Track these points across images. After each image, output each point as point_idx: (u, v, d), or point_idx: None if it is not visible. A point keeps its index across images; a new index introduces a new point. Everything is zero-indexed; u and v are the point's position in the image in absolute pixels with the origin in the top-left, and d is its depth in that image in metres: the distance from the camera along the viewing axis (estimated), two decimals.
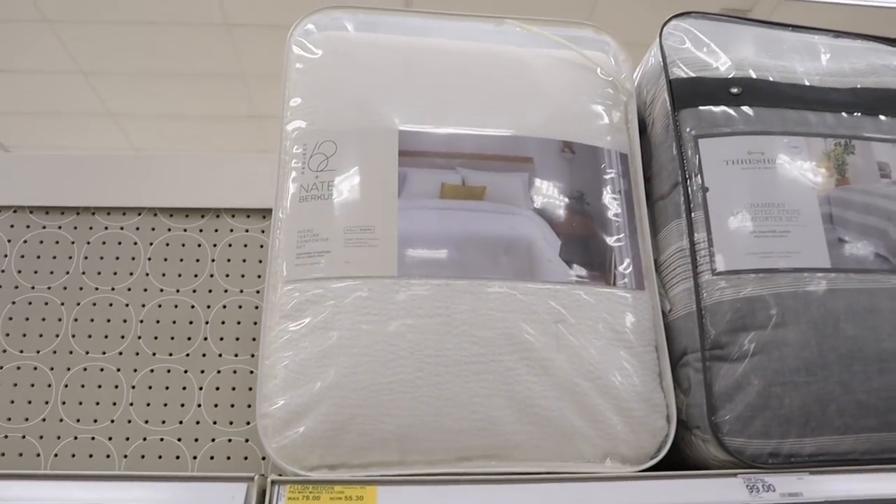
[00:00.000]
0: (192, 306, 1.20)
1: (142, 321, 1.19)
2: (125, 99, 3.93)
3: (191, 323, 1.20)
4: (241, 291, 1.21)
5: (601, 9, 3.52)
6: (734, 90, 0.86)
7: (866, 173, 0.84)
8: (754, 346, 0.77)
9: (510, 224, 0.78)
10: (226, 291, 1.21)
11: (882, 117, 0.88)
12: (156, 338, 1.19)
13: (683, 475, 0.73)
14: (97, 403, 1.15)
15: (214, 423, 1.15)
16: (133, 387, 1.16)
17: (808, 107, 0.86)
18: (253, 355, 1.18)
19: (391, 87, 0.83)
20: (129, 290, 1.21)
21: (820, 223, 0.81)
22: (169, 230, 1.24)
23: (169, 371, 1.17)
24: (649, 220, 0.88)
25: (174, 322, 1.20)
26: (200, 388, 1.17)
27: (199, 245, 1.24)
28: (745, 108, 0.85)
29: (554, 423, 0.74)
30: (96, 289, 1.20)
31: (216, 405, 1.16)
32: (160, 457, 1.14)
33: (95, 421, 1.15)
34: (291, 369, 0.73)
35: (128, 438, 1.14)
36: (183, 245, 1.24)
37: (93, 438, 1.14)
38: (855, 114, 0.87)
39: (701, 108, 0.86)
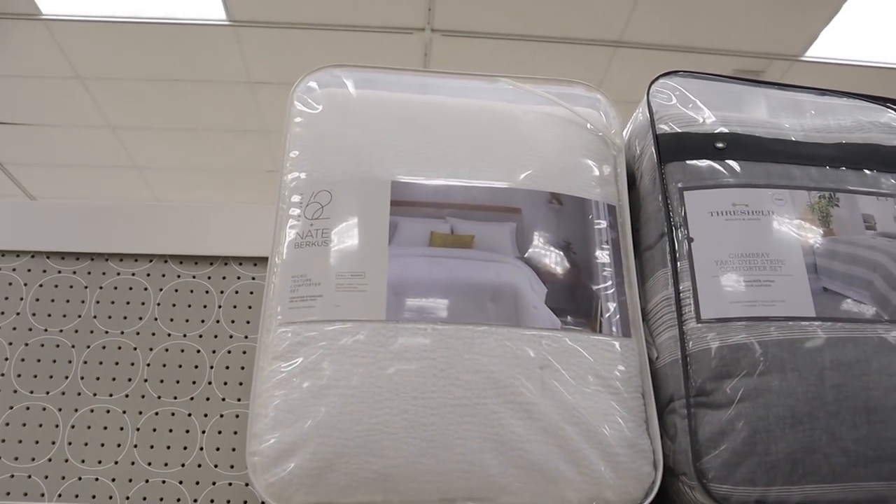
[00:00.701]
0: (198, 351, 1.23)
1: (149, 364, 1.22)
2: (150, 153, 4.06)
3: (196, 367, 1.23)
4: (246, 337, 1.24)
5: (614, 71, 3.60)
6: (719, 145, 0.89)
7: (851, 225, 0.86)
8: (740, 394, 0.78)
9: (497, 272, 0.80)
10: (231, 337, 1.24)
11: (867, 171, 0.90)
12: (162, 381, 1.21)
13: None
14: (102, 445, 1.17)
15: (216, 466, 1.17)
16: (138, 429, 1.19)
17: (792, 161, 0.89)
18: None
19: (386, 139, 0.87)
20: (138, 334, 1.24)
21: (804, 273, 0.82)
22: (178, 277, 1.28)
23: (173, 414, 1.20)
24: (638, 269, 0.90)
25: (180, 366, 1.23)
26: (203, 432, 1.19)
27: (207, 291, 1.28)
28: (730, 162, 0.88)
29: (539, 468, 0.75)
30: (106, 332, 1.24)
31: (218, 448, 1.18)
32: (161, 499, 1.15)
33: (100, 462, 1.17)
34: (281, 409, 0.75)
35: (130, 480, 1.16)
36: (191, 291, 1.27)
37: (96, 479, 1.16)
38: (840, 168, 0.90)
39: (687, 161, 0.88)
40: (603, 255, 0.86)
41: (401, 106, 0.92)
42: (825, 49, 3.56)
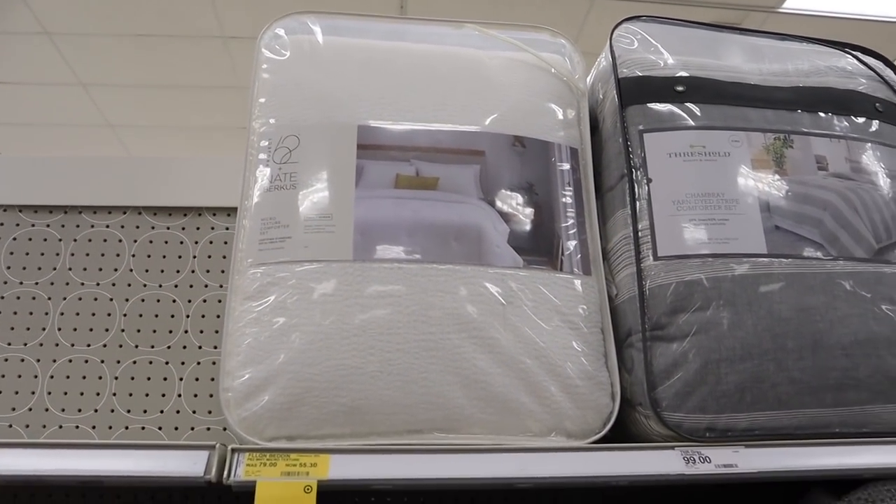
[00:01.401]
0: (174, 300, 1.26)
1: (125, 315, 1.25)
2: (123, 110, 4.01)
3: (172, 317, 1.25)
4: (221, 286, 1.27)
5: (591, 22, 3.59)
6: (679, 88, 0.91)
7: (804, 166, 0.89)
8: (693, 328, 0.82)
9: (460, 212, 0.83)
10: (206, 286, 1.27)
11: (821, 114, 0.93)
12: (139, 331, 1.24)
13: (622, 447, 0.78)
14: (81, 394, 1.20)
15: (194, 412, 1.20)
16: (116, 378, 1.21)
17: (749, 104, 0.92)
18: None
19: (352, 85, 0.89)
20: (114, 285, 1.26)
21: (758, 211, 0.86)
22: (152, 228, 1.30)
23: (151, 363, 1.22)
24: (599, 209, 0.93)
25: (156, 316, 1.25)
26: (181, 379, 1.22)
27: (182, 242, 1.29)
28: (689, 105, 0.91)
29: (501, 399, 0.78)
30: (82, 284, 1.26)
31: (196, 395, 1.21)
32: None
33: (80, 410, 1.20)
34: (253, 346, 0.78)
35: (111, 427, 1.19)
36: (166, 242, 1.29)
37: (77, 427, 1.19)
38: (795, 111, 0.93)
39: (648, 105, 0.91)
40: (565, 197, 0.89)
41: (367, 52, 0.93)
42: (802, 1, 3.57)
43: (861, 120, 0.94)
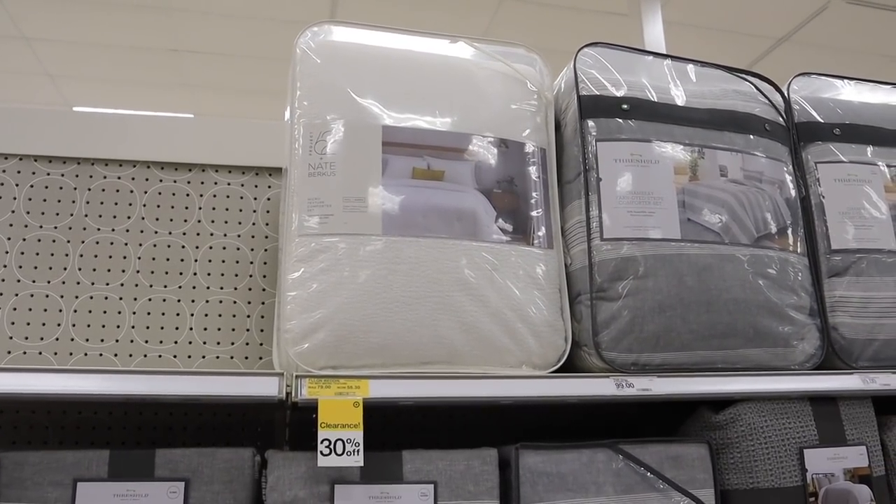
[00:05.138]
0: (183, 246, 1.50)
1: (139, 258, 1.48)
2: (40, 22, 3.95)
3: (182, 261, 1.50)
4: (225, 235, 1.52)
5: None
6: (625, 107, 1.23)
7: (711, 173, 1.24)
8: (626, 291, 1.16)
9: (461, 199, 1.13)
10: (211, 235, 1.52)
11: (726, 132, 1.28)
12: (152, 272, 1.48)
13: (573, 375, 1.13)
14: (103, 326, 1.44)
15: (204, 343, 1.47)
16: (134, 313, 1.46)
17: (675, 122, 1.25)
18: (236, 288, 1.50)
19: (374, 89, 1.16)
20: (128, 231, 1.49)
21: (676, 207, 1.20)
22: (160, 181, 1.53)
23: (164, 300, 1.47)
24: (559, 198, 1.25)
25: (167, 259, 1.49)
26: (192, 315, 1.48)
27: (188, 195, 1.53)
28: (631, 121, 1.23)
29: (488, 340, 1.11)
30: (98, 229, 1.48)
31: (205, 329, 1.48)
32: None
33: (102, 340, 1.44)
34: (304, 299, 1.07)
35: (131, 355, 1.45)
36: (173, 194, 1.53)
37: (101, 355, 1.43)
38: (708, 129, 1.27)
39: (601, 118, 1.23)
40: (535, 188, 1.21)
41: (385, 59, 1.20)
42: None
43: (753, 137, 1.30)
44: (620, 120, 1.23)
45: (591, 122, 1.23)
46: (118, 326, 1.45)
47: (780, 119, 1.35)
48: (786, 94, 1.39)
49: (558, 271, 1.21)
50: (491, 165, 1.18)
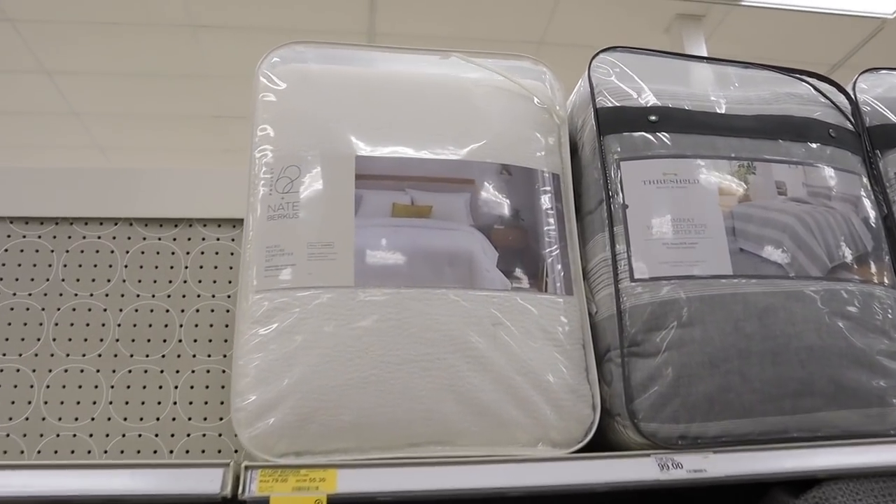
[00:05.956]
0: (167, 310, 1.30)
1: (119, 325, 1.29)
2: (89, 98, 3.96)
3: (166, 326, 1.29)
4: (213, 296, 1.31)
5: (560, 14, 3.65)
6: (652, 118, 0.98)
7: (765, 191, 0.97)
8: (666, 343, 0.89)
9: (452, 239, 0.89)
10: (198, 296, 1.31)
11: (781, 141, 1.01)
12: (133, 340, 1.28)
13: (603, 456, 0.85)
14: (78, 403, 1.24)
15: (189, 419, 1.25)
16: (112, 386, 1.26)
17: (716, 132, 0.99)
18: (225, 356, 1.28)
19: (348, 115, 0.94)
20: (107, 295, 1.30)
21: (724, 235, 0.93)
22: (144, 239, 1.34)
23: (146, 371, 1.27)
24: (579, 232, 1.00)
25: (150, 325, 1.29)
26: (176, 387, 1.26)
27: (173, 253, 1.33)
28: (662, 135, 0.98)
29: (492, 413, 0.85)
30: (75, 295, 1.29)
31: (191, 402, 1.26)
32: (139, 451, 1.23)
33: (76, 419, 1.24)
34: (262, 368, 0.83)
35: (108, 435, 1.24)
36: (157, 253, 1.33)
37: (74, 435, 1.23)
38: (757, 138, 1.00)
39: (623, 133, 0.98)
40: (548, 222, 0.96)
41: (361, 82, 0.98)
42: None
43: (816, 146, 1.02)
44: (648, 134, 0.98)
45: (611, 139, 0.98)
46: (94, 402, 1.25)
47: (848, 123, 1.07)
48: (852, 95, 1.11)
49: (580, 322, 0.95)
50: (491, 197, 0.94)
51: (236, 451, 1.22)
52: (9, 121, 4.08)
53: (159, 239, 1.34)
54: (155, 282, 1.32)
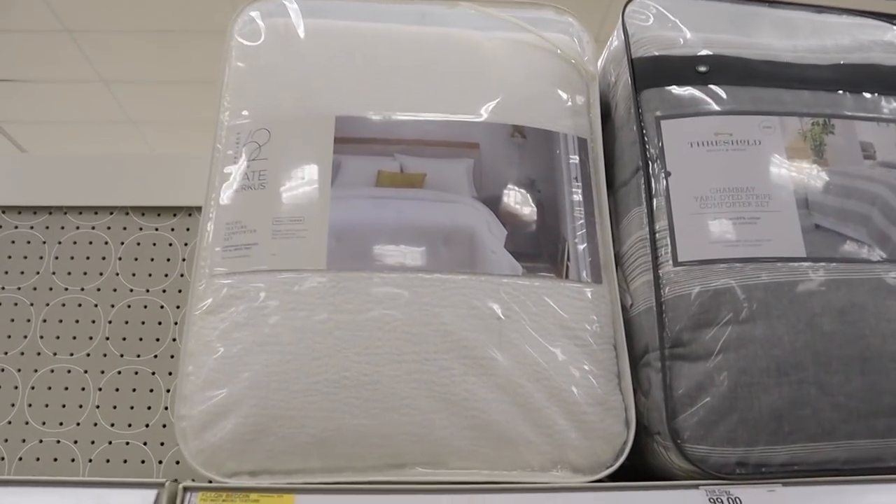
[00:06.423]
0: (162, 307, 1.16)
1: (110, 322, 1.15)
2: (145, 107, 3.95)
3: (160, 324, 1.15)
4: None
5: None
6: (701, 68, 0.78)
7: (847, 154, 0.75)
8: (720, 344, 0.69)
9: (451, 213, 0.71)
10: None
11: (866, 94, 0.79)
12: (124, 339, 1.14)
13: (637, 486, 0.65)
14: (63, 406, 1.11)
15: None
16: (100, 389, 1.12)
17: (783, 84, 0.78)
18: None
19: (331, 72, 0.77)
20: (99, 290, 1.17)
21: (794, 208, 0.72)
22: (140, 229, 1.20)
23: (136, 373, 1.13)
24: (611, 208, 0.80)
25: (143, 323, 1.15)
26: (168, 391, 1.12)
27: (171, 244, 1.19)
28: (713, 87, 0.77)
29: (496, 429, 0.66)
30: (66, 289, 1.16)
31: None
32: (125, 461, 1.09)
33: (61, 424, 1.10)
34: (212, 368, 0.67)
35: (93, 442, 1.10)
36: (154, 244, 1.19)
37: (58, 442, 1.10)
38: (836, 91, 0.79)
39: (665, 88, 0.78)
40: (572, 194, 0.77)
41: (350, 36, 0.81)
42: None
43: None
44: (696, 88, 0.78)
45: (650, 94, 0.78)
46: (80, 406, 1.12)
47: None
48: None
49: (611, 318, 0.75)
50: (499, 163, 0.75)
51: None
52: (69, 130, 4.10)
53: (156, 229, 1.20)
54: (150, 275, 1.18)
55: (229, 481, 0.65)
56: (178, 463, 1.09)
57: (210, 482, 0.66)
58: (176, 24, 3.44)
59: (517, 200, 0.74)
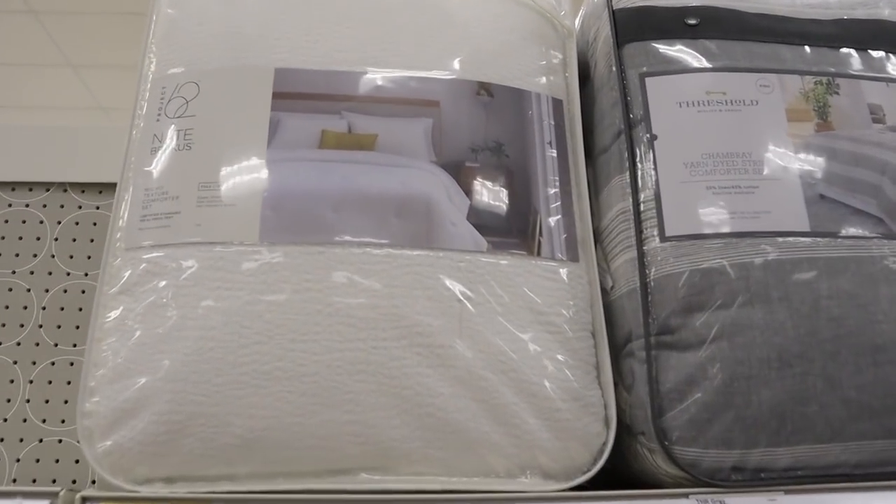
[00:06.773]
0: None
1: (44, 308, 1.03)
2: (116, 92, 3.79)
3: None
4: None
5: None
6: (690, 21, 0.68)
7: (854, 117, 0.66)
8: (713, 331, 0.59)
9: (404, 179, 0.61)
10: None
11: (874, 53, 0.70)
12: (59, 327, 1.03)
13: (618, 495, 0.55)
14: None
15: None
16: (31, 381, 1.00)
17: (782, 39, 0.68)
18: None
19: (270, 19, 0.66)
20: (32, 273, 1.05)
21: (796, 177, 0.63)
22: (80, 207, 1.09)
23: (72, 364, 1.01)
24: (590, 178, 0.70)
25: (80, 309, 1.04)
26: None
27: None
28: (704, 42, 0.67)
29: (453, 428, 0.56)
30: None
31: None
32: (57, 461, 0.98)
33: None
34: (123, 356, 0.56)
35: (22, 440, 0.99)
36: (94, 224, 1.08)
37: None
38: (840, 48, 0.69)
39: (650, 42, 0.68)
40: (545, 160, 0.66)
41: None
42: None
43: None
44: (685, 42, 0.68)
45: (633, 49, 0.68)
46: (8, 400, 1.00)
47: None
48: None
49: (589, 301, 0.65)
50: (462, 124, 0.65)
51: None
52: (36, 115, 3.93)
53: (97, 207, 1.09)
54: (89, 258, 1.06)
55: (140, 489, 0.54)
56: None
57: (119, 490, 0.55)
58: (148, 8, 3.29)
59: (482, 166, 0.63)
